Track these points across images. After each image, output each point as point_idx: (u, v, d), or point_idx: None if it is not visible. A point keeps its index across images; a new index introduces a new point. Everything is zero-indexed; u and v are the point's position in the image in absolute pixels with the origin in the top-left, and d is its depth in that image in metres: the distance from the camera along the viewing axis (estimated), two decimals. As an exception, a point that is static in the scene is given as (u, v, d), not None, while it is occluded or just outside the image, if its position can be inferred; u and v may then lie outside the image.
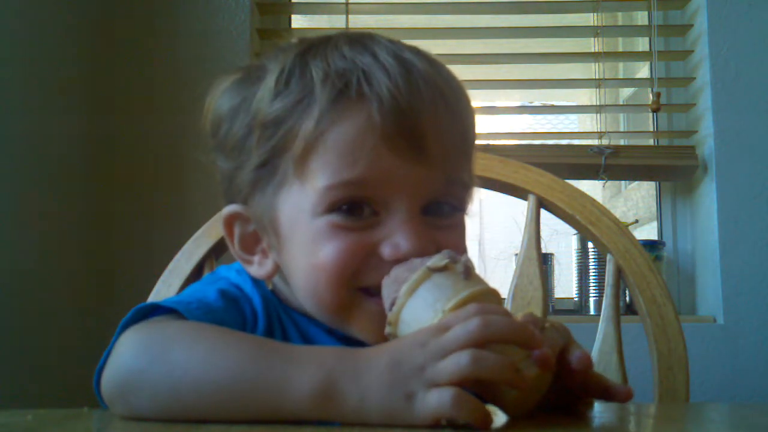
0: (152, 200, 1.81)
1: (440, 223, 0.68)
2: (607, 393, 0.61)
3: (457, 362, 0.49)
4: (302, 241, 0.67)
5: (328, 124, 0.64)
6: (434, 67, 0.69)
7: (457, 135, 0.69)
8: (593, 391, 0.61)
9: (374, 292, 0.64)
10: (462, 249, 0.70)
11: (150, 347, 0.58)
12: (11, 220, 1.42)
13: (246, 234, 0.73)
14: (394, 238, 0.65)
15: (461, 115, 0.70)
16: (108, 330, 0.64)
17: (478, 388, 0.52)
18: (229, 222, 0.73)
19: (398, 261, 0.63)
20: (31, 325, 1.46)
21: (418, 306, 0.58)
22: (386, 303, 0.61)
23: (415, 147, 0.65)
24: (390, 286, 0.62)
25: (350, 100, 0.65)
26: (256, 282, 0.74)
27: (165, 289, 0.99)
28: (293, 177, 0.67)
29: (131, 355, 0.58)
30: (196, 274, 1.00)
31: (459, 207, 0.71)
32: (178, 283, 0.99)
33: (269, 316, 0.73)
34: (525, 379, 0.51)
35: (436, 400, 0.49)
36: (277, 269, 0.72)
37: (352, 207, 0.65)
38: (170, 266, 1.01)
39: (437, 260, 0.59)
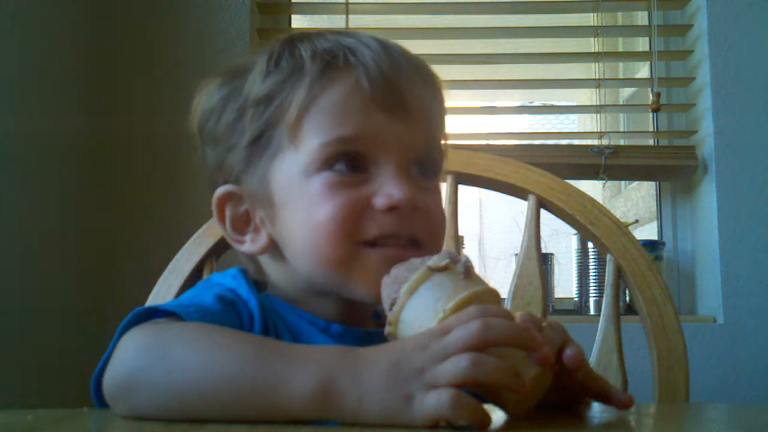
0: (152, 200, 1.81)
1: (423, 185, 0.72)
2: (607, 399, 0.61)
3: (457, 366, 0.49)
4: (299, 203, 0.71)
5: (319, 90, 0.70)
6: (413, 55, 0.76)
7: (435, 108, 0.75)
8: (593, 394, 0.61)
9: (374, 243, 0.69)
10: (442, 213, 0.75)
11: (151, 346, 0.58)
12: (11, 220, 1.42)
13: (237, 215, 0.76)
14: (386, 189, 0.69)
15: (437, 95, 0.76)
16: (108, 330, 0.64)
17: (477, 388, 0.52)
18: (221, 203, 0.76)
19: (392, 209, 0.68)
20: (31, 325, 1.46)
21: (419, 306, 0.58)
22: (386, 303, 0.61)
23: (399, 106, 0.71)
24: (390, 285, 0.61)
25: (339, 68, 0.71)
26: (251, 286, 0.75)
27: (165, 289, 0.99)
28: (288, 143, 0.71)
29: (133, 355, 0.58)
30: (196, 274, 1.00)
31: (437, 171, 0.76)
32: (178, 283, 0.99)
33: (265, 318, 0.73)
34: (524, 384, 0.51)
35: (434, 402, 0.49)
36: (271, 243, 0.74)
37: (345, 165, 0.69)
38: (170, 266, 1.01)
39: (438, 260, 0.59)
